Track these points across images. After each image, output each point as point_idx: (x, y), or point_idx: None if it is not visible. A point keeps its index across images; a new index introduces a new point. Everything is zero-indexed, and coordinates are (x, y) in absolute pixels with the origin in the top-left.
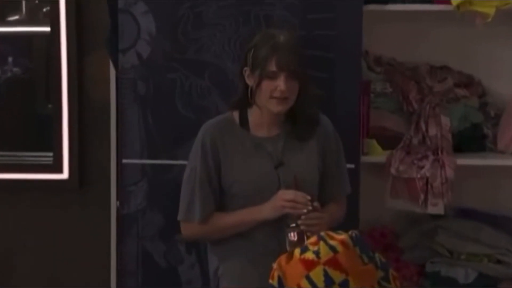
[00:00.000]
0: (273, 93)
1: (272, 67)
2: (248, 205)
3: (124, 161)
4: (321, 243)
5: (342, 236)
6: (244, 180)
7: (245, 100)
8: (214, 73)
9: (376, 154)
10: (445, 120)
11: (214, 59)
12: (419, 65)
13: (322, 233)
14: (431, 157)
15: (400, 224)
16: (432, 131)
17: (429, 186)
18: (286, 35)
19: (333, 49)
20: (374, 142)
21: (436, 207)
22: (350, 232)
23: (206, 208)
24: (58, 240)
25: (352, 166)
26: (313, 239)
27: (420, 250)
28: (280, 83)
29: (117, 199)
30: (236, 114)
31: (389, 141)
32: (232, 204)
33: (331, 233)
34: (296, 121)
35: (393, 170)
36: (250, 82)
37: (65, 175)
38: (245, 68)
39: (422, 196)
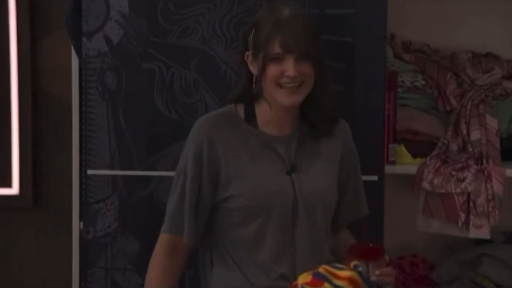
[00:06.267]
0: (280, 80)
1: (276, 48)
2: (253, 220)
3: (90, 172)
4: (326, 284)
5: (348, 272)
6: (251, 189)
7: (249, 92)
8: (202, 62)
9: (405, 164)
10: (491, 121)
11: (202, 45)
12: (458, 52)
13: (322, 270)
14: (474, 168)
15: (435, 251)
16: (475, 134)
17: (471, 204)
18: (292, 8)
19: (351, 32)
20: (402, 148)
21: (480, 230)
22: (352, 266)
23: (197, 226)
24: (6, 272)
25: (374, 178)
26: (311, 278)
27: (460, 283)
28: (288, 68)
29: (80, 220)
30: (240, 108)
31: (420, 147)
32: (231, 219)
33: (332, 270)
34: (313, 118)
35: (426, 184)
36: (254, 69)
37: (14, 190)
38: (247, 53)
39: (462, 216)
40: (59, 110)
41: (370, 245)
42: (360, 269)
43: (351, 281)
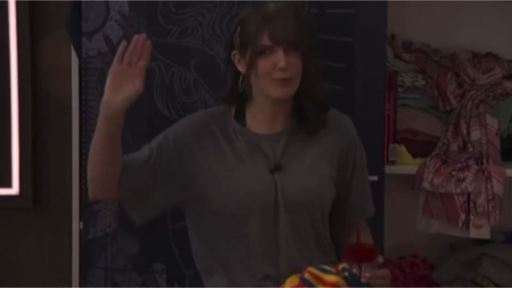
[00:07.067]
0: (272, 74)
1: (265, 40)
2: (235, 219)
3: None
4: None
5: (333, 277)
6: (230, 188)
7: (236, 92)
8: (202, 62)
9: (405, 164)
10: (491, 121)
11: (202, 45)
12: (458, 52)
13: (307, 275)
14: (474, 168)
15: (435, 251)
16: (475, 134)
17: (471, 204)
18: (277, 2)
19: (351, 32)
20: (402, 148)
21: (481, 230)
22: (340, 269)
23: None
24: (6, 272)
25: (374, 178)
26: (298, 282)
27: (460, 283)
28: (279, 60)
29: (80, 219)
30: (233, 107)
31: (420, 147)
32: (214, 219)
33: (317, 273)
34: (306, 108)
35: (426, 184)
36: (242, 68)
37: (14, 190)
38: (234, 52)
39: (462, 216)
40: (59, 110)
41: (363, 246)
42: (346, 273)
43: (335, 286)
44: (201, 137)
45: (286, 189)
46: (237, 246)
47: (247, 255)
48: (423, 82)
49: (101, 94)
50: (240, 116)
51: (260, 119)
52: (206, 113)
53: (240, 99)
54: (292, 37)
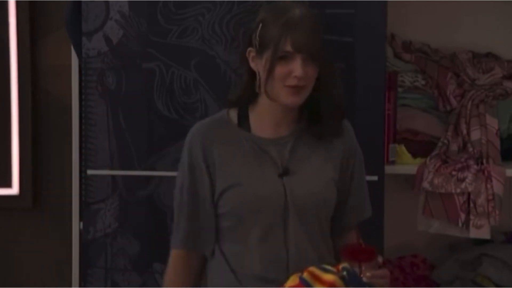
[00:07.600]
0: (286, 80)
1: (287, 47)
2: (244, 224)
3: (90, 172)
4: None
5: (331, 276)
6: (241, 193)
7: (249, 92)
8: (202, 62)
9: (405, 164)
10: (491, 121)
11: (202, 45)
12: (458, 52)
13: (306, 274)
14: (474, 168)
15: (435, 251)
16: (475, 134)
17: (471, 204)
18: (301, 8)
19: (351, 32)
20: (402, 148)
21: (481, 230)
22: (340, 268)
23: (211, 235)
24: (6, 272)
25: (374, 178)
26: (294, 281)
27: (460, 283)
28: (296, 68)
29: (80, 220)
30: (233, 113)
31: (420, 147)
32: (222, 224)
33: (316, 272)
34: (316, 119)
35: (426, 184)
36: (256, 66)
37: (14, 190)
38: (250, 49)
39: (462, 216)
40: (59, 110)
41: (362, 246)
42: (345, 272)
43: (332, 286)
44: (210, 154)
45: (295, 193)
46: (245, 250)
47: (255, 259)
48: (423, 82)
49: (101, 94)
50: (243, 122)
51: (265, 124)
52: (205, 125)
53: (249, 99)
54: (312, 47)
